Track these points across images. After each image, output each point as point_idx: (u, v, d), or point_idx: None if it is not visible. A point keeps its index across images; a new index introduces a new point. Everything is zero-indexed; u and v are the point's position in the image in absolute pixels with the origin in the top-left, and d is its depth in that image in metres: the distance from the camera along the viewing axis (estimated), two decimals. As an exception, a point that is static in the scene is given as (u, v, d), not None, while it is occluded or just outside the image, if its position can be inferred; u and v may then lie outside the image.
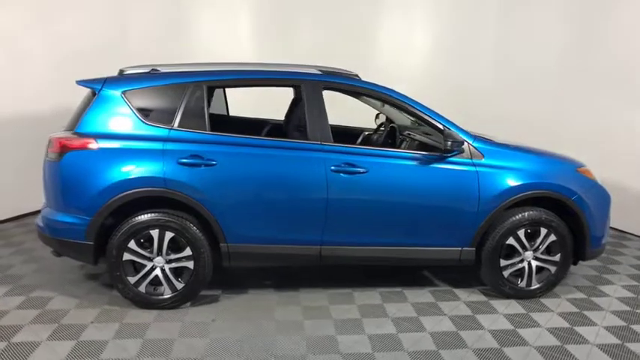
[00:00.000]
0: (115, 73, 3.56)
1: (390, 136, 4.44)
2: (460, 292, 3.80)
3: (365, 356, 2.92)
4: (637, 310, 3.57)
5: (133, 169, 3.20)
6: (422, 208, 3.44)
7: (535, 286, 3.67)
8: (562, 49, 5.78)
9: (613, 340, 3.16)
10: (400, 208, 3.43)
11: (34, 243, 4.43)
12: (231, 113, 4.89)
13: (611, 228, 5.45)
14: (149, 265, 3.32)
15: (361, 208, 3.41)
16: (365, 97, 4.12)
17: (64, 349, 2.89)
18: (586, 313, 3.52)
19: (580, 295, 3.81)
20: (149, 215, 3.27)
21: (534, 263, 3.64)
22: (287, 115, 4.06)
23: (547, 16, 5.88)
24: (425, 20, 6.73)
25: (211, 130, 3.34)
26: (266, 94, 4.68)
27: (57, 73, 5.17)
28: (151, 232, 3.27)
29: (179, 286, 3.37)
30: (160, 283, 3.36)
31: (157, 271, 3.34)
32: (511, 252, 3.62)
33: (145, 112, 3.32)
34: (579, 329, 3.28)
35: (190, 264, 3.35)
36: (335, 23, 6.51)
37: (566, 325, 3.34)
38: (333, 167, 3.34)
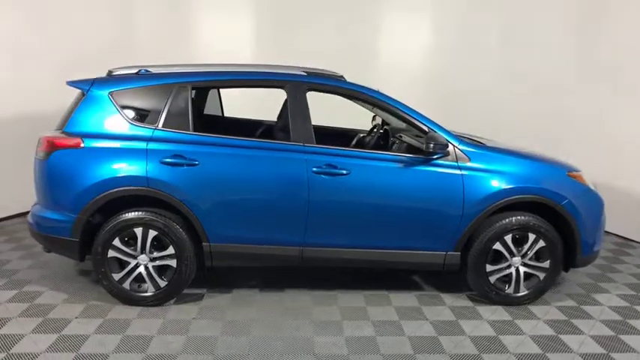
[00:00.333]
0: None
1: (382, 138, 4.42)
2: (447, 297, 3.75)
3: (339, 358, 2.91)
4: (628, 320, 3.46)
5: (117, 168, 3.27)
6: (404, 211, 3.41)
7: (523, 292, 3.59)
8: (564, 50, 5.65)
9: (598, 349, 3.07)
10: (382, 210, 3.40)
11: (34, 240, 4.54)
12: (235, 115, 4.92)
13: (614, 235, 5.38)
14: (133, 262, 3.38)
15: (343, 210, 3.40)
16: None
17: (45, 343, 2.96)
18: (574, 321, 3.43)
19: (571, 303, 3.71)
20: (133, 213, 3.33)
21: (522, 269, 3.57)
22: (277, 117, 4.08)
23: (549, 17, 5.77)
24: (427, 21, 6.66)
25: (197, 131, 3.39)
26: (269, 96, 4.71)
27: (62, 74, 5.28)
28: (134, 230, 3.33)
29: (162, 283, 3.42)
30: (143, 281, 3.42)
31: (141, 269, 3.39)
32: (498, 257, 3.55)
33: (130, 113, 3.38)
34: (564, 337, 3.20)
35: (173, 262, 3.39)
36: (337, 23, 6.50)
37: (551, 333, 3.26)
38: (314, 169, 3.34)
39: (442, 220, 3.43)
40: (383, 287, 3.87)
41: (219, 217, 3.35)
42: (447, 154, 3.42)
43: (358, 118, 4.92)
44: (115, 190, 3.26)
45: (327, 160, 3.35)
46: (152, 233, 3.34)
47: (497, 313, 3.52)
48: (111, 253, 3.35)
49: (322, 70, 3.81)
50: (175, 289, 3.45)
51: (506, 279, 3.59)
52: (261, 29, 6.69)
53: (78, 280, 3.87)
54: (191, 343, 3.02)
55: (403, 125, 4.21)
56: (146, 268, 3.39)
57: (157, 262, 3.40)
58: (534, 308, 3.60)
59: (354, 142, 4.71)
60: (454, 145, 3.46)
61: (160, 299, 3.44)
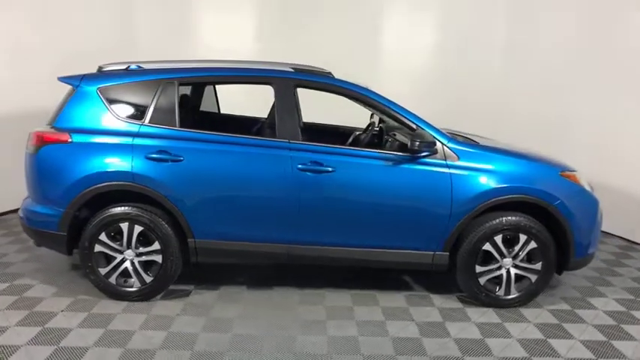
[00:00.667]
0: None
1: (377, 136, 4.37)
2: (436, 298, 3.68)
3: (319, 357, 2.87)
4: (623, 326, 3.35)
5: (103, 163, 3.28)
6: (391, 209, 3.36)
7: (514, 295, 3.51)
8: (570, 48, 5.52)
9: (587, 354, 2.98)
10: (368, 208, 3.36)
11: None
12: (236, 112, 4.92)
13: (619, 237, 5.23)
14: (119, 257, 3.40)
15: (329, 208, 3.36)
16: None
17: (28, 335, 2.99)
18: (565, 325, 3.34)
19: (564, 307, 3.61)
20: (119, 208, 3.35)
21: (513, 271, 3.48)
22: (268, 113, 4.07)
23: (555, 16, 5.65)
24: (432, 18, 6.58)
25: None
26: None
27: (61, 72, 5.34)
28: (120, 225, 3.35)
29: (148, 279, 3.43)
30: (130, 276, 3.43)
31: (127, 264, 3.41)
32: (488, 258, 3.47)
33: (118, 108, 3.40)
34: (553, 342, 3.11)
35: (159, 258, 3.40)
36: (340, 23, 6.46)
37: (539, 336, 3.18)
38: (300, 166, 3.31)
39: (429, 219, 3.37)
40: (372, 287, 3.82)
41: (204, 214, 3.34)
42: (435, 152, 3.36)
43: (361, 115, 4.88)
44: (101, 184, 3.28)
45: (313, 157, 3.32)
46: (138, 229, 3.35)
47: (487, 315, 3.45)
48: (97, 248, 3.37)
49: (310, 66, 3.78)
50: (161, 284, 3.46)
51: (497, 280, 3.52)
52: (263, 28, 6.68)
53: (69, 274, 3.91)
54: (171, 338, 3.02)
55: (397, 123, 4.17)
56: (132, 263, 3.40)
57: (143, 258, 3.41)
58: (525, 311, 3.51)
59: (350, 139, 4.67)
60: (442, 143, 3.39)
61: (145, 294, 3.45)
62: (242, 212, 3.37)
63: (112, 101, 3.40)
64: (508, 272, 3.48)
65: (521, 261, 3.47)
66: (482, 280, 3.49)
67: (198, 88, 4.44)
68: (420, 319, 3.37)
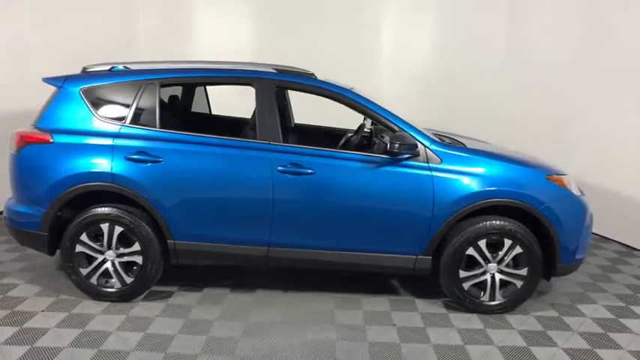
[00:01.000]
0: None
1: (368, 137, 4.32)
2: (420, 303, 3.62)
3: (292, 362, 2.84)
4: (609, 334, 3.26)
5: (83, 164, 3.29)
6: (371, 212, 3.31)
7: (498, 300, 3.44)
8: (572, 49, 5.41)
9: (568, 363, 2.90)
10: (348, 211, 3.32)
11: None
12: (228, 114, 4.91)
13: (618, 243, 5.11)
14: (100, 257, 3.40)
15: (308, 210, 3.33)
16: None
17: (4, 335, 3.00)
18: (550, 332, 3.26)
19: (551, 313, 3.52)
20: (100, 209, 3.35)
21: (498, 276, 3.41)
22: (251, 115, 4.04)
23: (555, 17, 5.54)
24: (432, 19, 6.51)
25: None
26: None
27: (64, 72, 5.41)
28: (101, 225, 3.35)
29: (128, 280, 3.42)
30: (111, 276, 3.43)
31: (108, 265, 3.41)
32: (472, 263, 3.41)
33: (100, 109, 3.40)
34: (534, 349, 3.04)
35: (139, 259, 3.39)
36: (340, 23, 6.42)
37: (521, 344, 3.10)
38: (279, 167, 3.28)
39: (411, 223, 3.31)
40: (357, 290, 3.77)
41: (184, 215, 3.33)
42: (417, 154, 3.30)
43: (360, 116, 4.84)
44: (81, 185, 3.29)
45: (293, 159, 3.29)
46: (118, 229, 3.35)
47: (470, 321, 3.38)
48: (79, 248, 3.38)
49: (293, 67, 3.74)
50: (142, 285, 3.45)
51: (482, 286, 3.45)
52: (263, 28, 6.67)
53: (55, 274, 3.92)
54: (147, 340, 3.01)
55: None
56: (113, 264, 3.41)
57: (124, 259, 3.41)
58: (511, 317, 3.43)
59: (342, 141, 4.62)
60: (425, 146, 3.34)
61: (126, 295, 3.44)
62: (221, 214, 3.35)
63: (94, 102, 3.41)
64: (493, 277, 3.41)
65: (507, 266, 3.40)
66: (466, 285, 3.42)
67: (188, 89, 4.44)
68: (401, 324, 3.31)
